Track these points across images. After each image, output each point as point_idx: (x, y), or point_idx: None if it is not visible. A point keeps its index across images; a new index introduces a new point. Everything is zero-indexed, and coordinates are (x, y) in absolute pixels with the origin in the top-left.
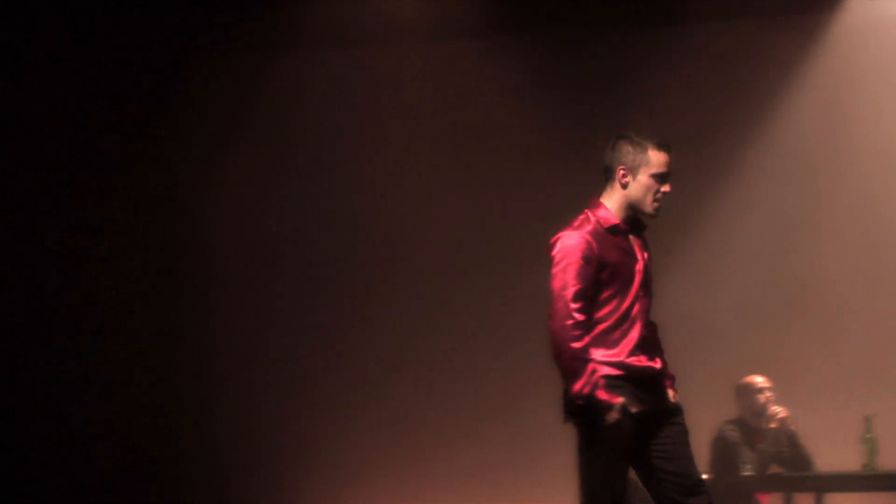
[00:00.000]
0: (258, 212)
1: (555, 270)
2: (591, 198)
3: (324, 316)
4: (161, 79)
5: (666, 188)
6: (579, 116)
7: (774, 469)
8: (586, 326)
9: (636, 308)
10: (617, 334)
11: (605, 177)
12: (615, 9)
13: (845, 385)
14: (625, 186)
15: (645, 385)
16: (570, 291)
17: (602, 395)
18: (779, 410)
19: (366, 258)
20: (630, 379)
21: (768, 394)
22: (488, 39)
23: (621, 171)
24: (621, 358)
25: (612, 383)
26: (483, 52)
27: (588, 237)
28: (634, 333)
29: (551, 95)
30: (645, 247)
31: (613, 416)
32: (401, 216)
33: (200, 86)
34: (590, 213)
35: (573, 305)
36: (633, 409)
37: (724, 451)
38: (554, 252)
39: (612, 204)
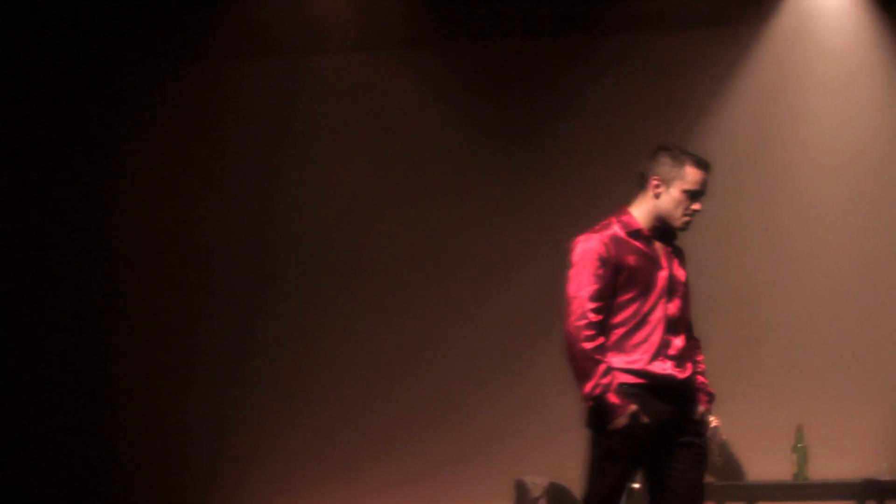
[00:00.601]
0: (192, 216)
1: (571, 272)
2: (619, 206)
3: (263, 319)
4: (89, 88)
5: (696, 206)
6: (507, 124)
7: (707, 479)
8: (601, 328)
9: (658, 313)
10: (636, 339)
11: (638, 184)
12: (546, 18)
13: (777, 395)
14: (657, 196)
15: (667, 394)
16: (586, 292)
17: (613, 398)
18: (711, 420)
19: (302, 263)
20: (651, 388)
21: None
22: (417, 48)
23: (655, 182)
24: (642, 365)
25: (629, 391)
26: (411, 61)
27: (606, 240)
28: (655, 338)
29: (479, 104)
30: (676, 257)
31: (622, 421)
32: (332, 221)
33: (132, 94)
34: (614, 219)
35: (589, 306)
36: (645, 420)
37: None
38: (572, 255)
39: (640, 212)
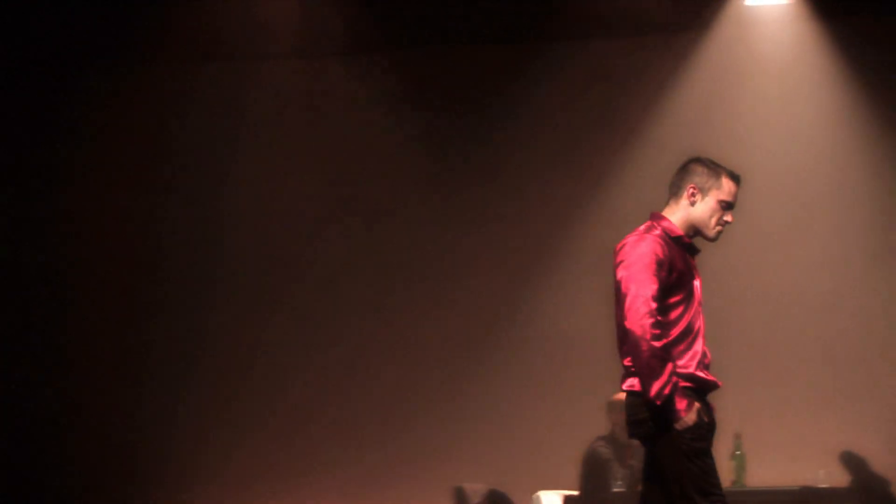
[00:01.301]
0: (139, 220)
1: (628, 272)
2: (651, 212)
3: (211, 324)
4: (35, 90)
5: (729, 217)
6: (450, 131)
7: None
8: (664, 327)
9: (698, 322)
10: (684, 345)
11: (670, 192)
12: (488, 26)
13: (715, 403)
14: (693, 205)
15: (705, 401)
16: (649, 291)
17: (681, 396)
18: None
19: (249, 268)
20: (698, 392)
21: None
22: (360, 55)
23: (691, 190)
24: (691, 370)
25: (685, 392)
26: (357, 67)
27: (660, 241)
28: (699, 346)
29: (423, 111)
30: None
31: (692, 417)
32: (278, 227)
33: (80, 97)
34: (655, 223)
35: (653, 305)
36: (706, 419)
37: (594, 467)
38: (623, 256)
39: (674, 219)
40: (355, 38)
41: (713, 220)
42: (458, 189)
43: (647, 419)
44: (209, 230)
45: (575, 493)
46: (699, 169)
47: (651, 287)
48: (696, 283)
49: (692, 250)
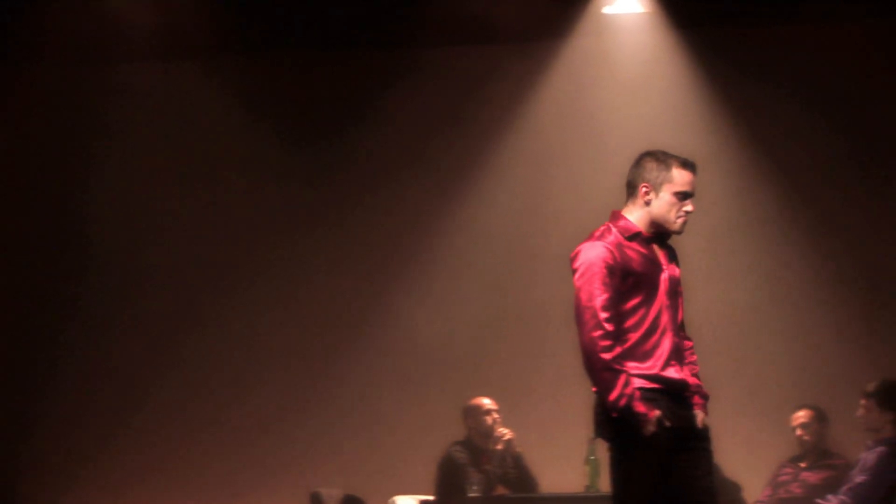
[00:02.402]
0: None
1: (579, 283)
2: (612, 210)
3: (49, 324)
4: None
5: (689, 206)
6: (304, 133)
7: (500, 490)
8: (616, 337)
9: (665, 318)
10: (648, 345)
11: (627, 192)
12: (349, 31)
13: (570, 408)
14: (647, 203)
15: (678, 399)
16: (598, 301)
17: (639, 407)
18: (505, 432)
19: (103, 268)
20: (666, 392)
21: (495, 415)
22: (217, 57)
23: (644, 189)
24: (656, 371)
25: (647, 396)
26: (211, 70)
27: (611, 247)
28: (666, 344)
29: (279, 114)
30: (672, 258)
31: (650, 428)
32: (135, 229)
33: None
34: (610, 225)
35: (602, 315)
36: (668, 424)
37: (451, 472)
38: (576, 264)
39: (633, 218)
40: (211, 41)
41: (672, 214)
42: (313, 192)
43: (608, 422)
44: (67, 235)
45: (431, 497)
46: (649, 164)
47: (601, 297)
48: (664, 276)
49: (661, 240)
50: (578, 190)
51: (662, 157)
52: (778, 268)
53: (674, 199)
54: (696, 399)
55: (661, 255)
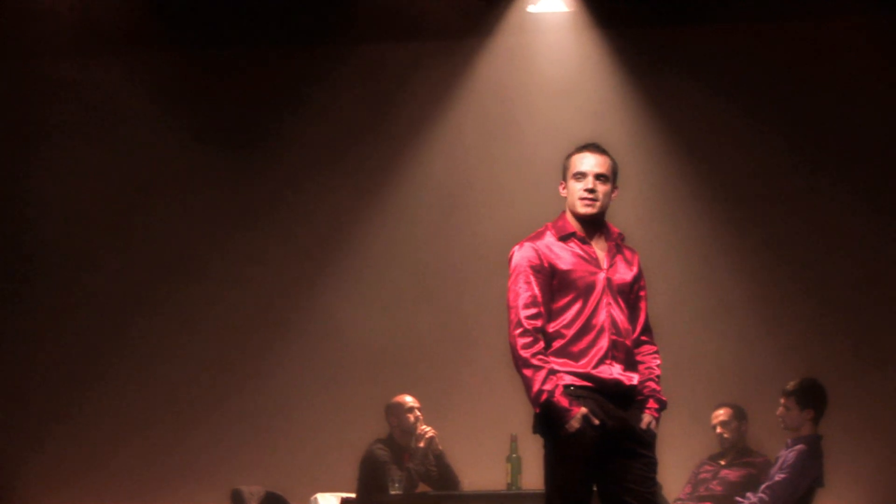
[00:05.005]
0: None
1: (509, 283)
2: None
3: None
4: None
5: (588, 184)
6: (230, 130)
7: (422, 488)
8: (538, 334)
9: (602, 317)
10: (583, 344)
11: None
12: (275, 28)
13: (493, 406)
14: (565, 199)
15: (616, 399)
16: (521, 300)
17: (562, 402)
18: (427, 430)
19: (38, 265)
20: (600, 391)
21: (418, 413)
22: (139, 52)
23: (561, 187)
24: (588, 369)
25: (577, 393)
26: (133, 65)
27: (536, 246)
28: (603, 343)
29: (203, 109)
30: (623, 258)
31: (573, 424)
32: (66, 225)
33: None
34: (549, 224)
35: (523, 313)
36: (596, 422)
37: (372, 470)
38: (510, 266)
39: (568, 216)
40: (133, 36)
41: (574, 199)
42: (235, 190)
43: (535, 417)
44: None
45: (352, 495)
46: (563, 164)
47: (524, 296)
48: (600, 276)
49: (607, 238)
50: (501, 185)
51: (569, 153)
52: (699, 266)
53: (575, 184)
54: (651, 403)
55: (604, 255)
